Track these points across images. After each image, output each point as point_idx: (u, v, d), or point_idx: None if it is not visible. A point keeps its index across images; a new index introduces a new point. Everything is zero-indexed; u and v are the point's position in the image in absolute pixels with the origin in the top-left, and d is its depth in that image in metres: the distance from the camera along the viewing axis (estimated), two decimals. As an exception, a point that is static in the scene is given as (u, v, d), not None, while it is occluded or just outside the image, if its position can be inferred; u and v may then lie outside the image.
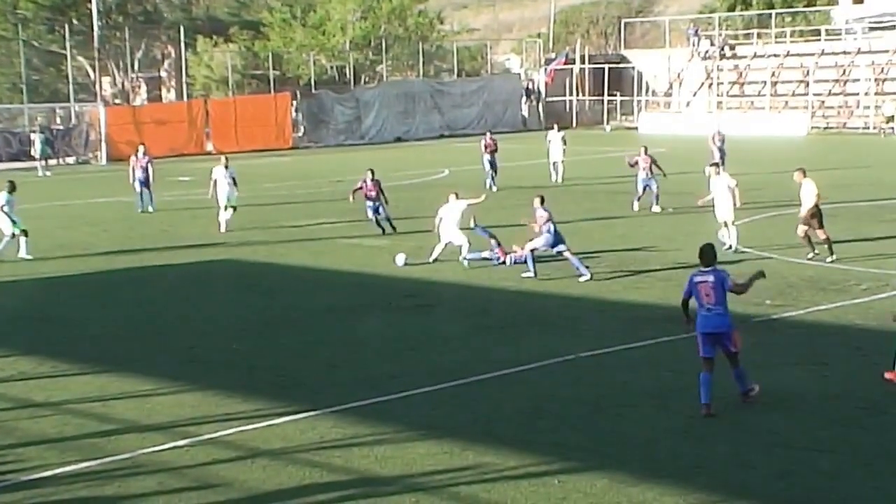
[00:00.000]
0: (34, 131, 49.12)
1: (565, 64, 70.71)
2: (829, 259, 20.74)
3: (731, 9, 73.13)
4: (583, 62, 71.22)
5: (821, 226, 20.98)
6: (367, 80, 67.63)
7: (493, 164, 35.75)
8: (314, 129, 61.18)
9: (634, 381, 13.39)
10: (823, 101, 61.67)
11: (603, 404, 12.49)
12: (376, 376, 13.86)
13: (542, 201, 20.67)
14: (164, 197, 34.46)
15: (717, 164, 23.95)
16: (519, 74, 74.00)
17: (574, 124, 68.81)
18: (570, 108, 70.80)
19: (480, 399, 12.87)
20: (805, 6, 71.62)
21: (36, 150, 47.37)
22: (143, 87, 70.01)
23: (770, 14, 68.42)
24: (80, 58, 62.46)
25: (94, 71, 60.63)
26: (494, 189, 33.93)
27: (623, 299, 18.21)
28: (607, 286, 19.42)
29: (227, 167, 27.56)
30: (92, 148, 52.54)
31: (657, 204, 28.44)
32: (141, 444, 11.32)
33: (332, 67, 67.11)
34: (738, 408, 12.09)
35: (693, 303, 12.16)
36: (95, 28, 58.02)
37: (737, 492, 9.81)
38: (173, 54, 66.73)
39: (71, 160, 51.99)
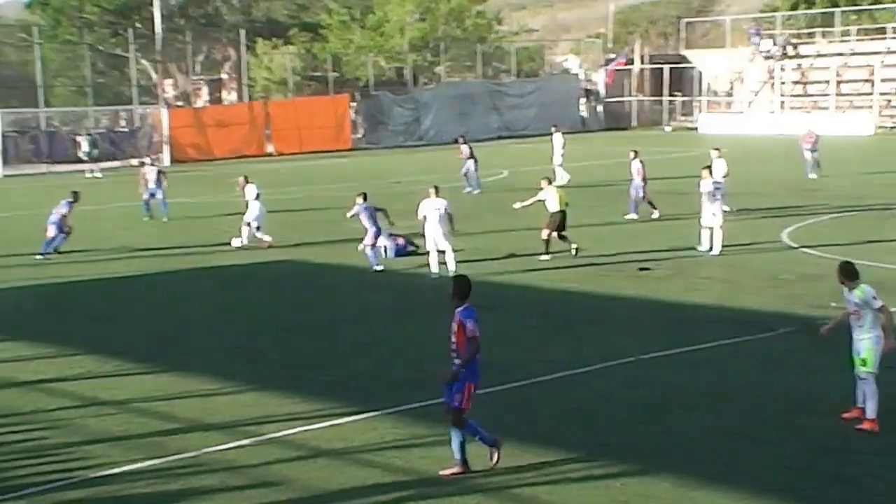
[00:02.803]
0: (79, 134, 50.06)
1: (625, 64, 70.30)
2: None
3: (794, 7, 72.16)
4: (642, 62, 70.76)
5: None
6: (425, 81, 67.77)
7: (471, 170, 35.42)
8: (373, 130, 61.44)
9: (695, 383, 13.29)
10: (889, 101, 60.63)
11: (663, 406, 12.41)
12: (434, 377, 13.87)
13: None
14: (224, 198, 34.83)
15: (708, 167, 23.34)
16: (577, 75, 73.67)
17: (633, 124, 68.41)
18: (630, 108, 70.37)
19: (541, 400, 12.85)
20: (870, 4, 70.44)
21: (83, 151, 48.26)
22: (205, 90, 70.82)
23: (833, 12, 67.42)
24: (143, 61, 63.34)
25: (157, 73, 61.48)
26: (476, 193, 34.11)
27: (681, 300, 18.08)
28: (666, 287, 19.30)
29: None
30: (154, 150, 53.23)
31: (634, 212, 27.89)
32: (203, 443, 11.46)
33: (390, 69, 67.35)
34: (802, 412, 11.95)
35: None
36: (158, 31, 58.78)
37: (799, 497, 9.70)
38: (234, 57, 67.40)
39: (134, 162, 52.73)
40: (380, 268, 21.42)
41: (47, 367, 14.85)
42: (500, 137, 63.56)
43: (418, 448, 11.17)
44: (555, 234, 22.51)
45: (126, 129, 54.20)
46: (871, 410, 11.39)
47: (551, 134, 38.82)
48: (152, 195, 30.54)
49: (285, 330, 16.82)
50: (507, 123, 65.97)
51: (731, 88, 67.75)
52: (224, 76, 71.53)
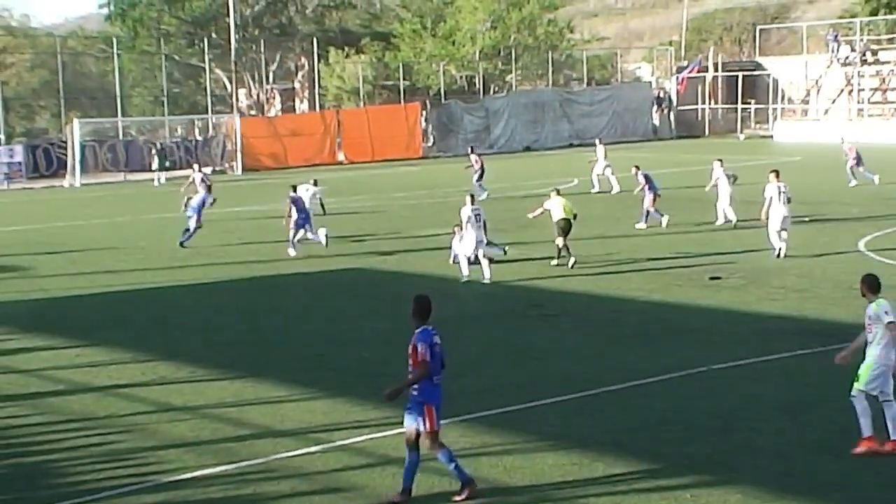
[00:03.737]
0: (153, 144, 50.96)
1: (698, 72, 69.58)
2: None
3: (874, 13, 70.80)
4: (716, 70, 69.96)
5: None
6: (496, 89, 67.76)
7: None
8: (443, 138, 61.57)
9: (768, 395, 13.09)
10: (971, 107, 59.23)
11: (736, 417, 12.25)
12: (503, 385, 13.88)
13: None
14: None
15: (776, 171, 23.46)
16: (650, 83, 73.10)
17: (706, 133, 67.66)
18: (703, 116, 69.62)
19: (610, 410, 12.76)
20: (952, 8, 68.91)
21: (155, 165, 49.09)
22: (278, 99, 71.58)
23: (915, 18, 66.05)
24: (217, 70, 64.29)
25: (231, 83, 62.31)
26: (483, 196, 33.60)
27: (756, 310, 17.83)
28: (740, 296, 19.06)
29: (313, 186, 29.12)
30: (228, 158, 53.92)
31: (645, 221, 27.98)
32: (274, 449, 11.56)
33: (461, 77, 67.48)
34: (879, 424, 11.70)
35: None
36: (233, 42, 59.64)
37: (877, 512, 9.50)
38: (307, 66, 68.07)
39: (208, 170, 53.38)
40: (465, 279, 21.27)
41: (122, 372, 15.12)
42: (570, 146, 63.29)
43: (487, 457, 11.15)
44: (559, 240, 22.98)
45: (200, 138, 54.99)
46: (865, 427, 10.84)
47: (594, 146, 40.06)
48: (203, 204, 27.59)
49: (356, 338, 16.92)
50: (578, 131, 65.67)
51: (807, 96, 66.68)
52: (297, 85, 72.25)
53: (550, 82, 67.96)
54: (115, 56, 56.68)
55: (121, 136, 53.22)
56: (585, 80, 70.64)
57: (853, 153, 36.60)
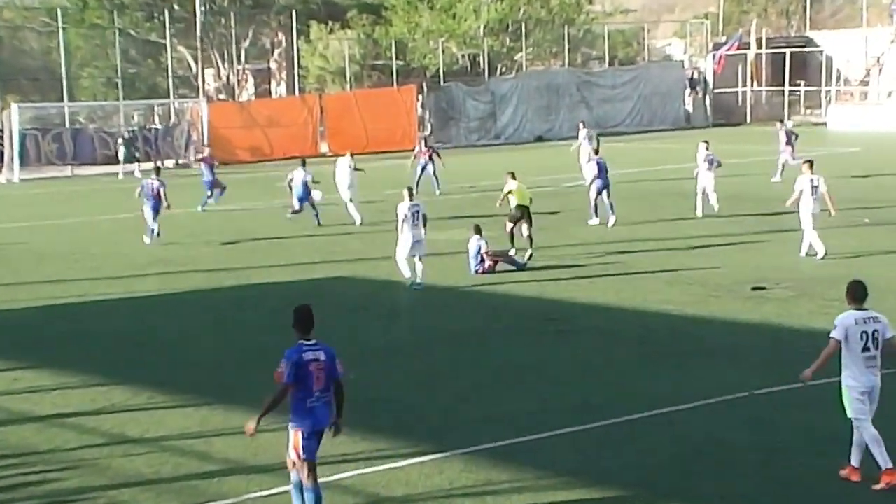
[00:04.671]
0: (106, 132, 51.25)
1: (738, 49, 69.69)
2: None
3: (946, -22, 71.03)
4: (759, 46, 70.06)
5: None
6: (503, 70, 67.90)
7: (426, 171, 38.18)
8: (442, 126, 61.71)
9: (820, 424, 13.10)
10: None
11: (782, 450, 12.26)
12: (512, 413, 13.89)
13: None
14: (273, 206, 35.23)
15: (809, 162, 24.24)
16: (682, 62, 73.24)
17: (748, 119, 67.74)
18: (743, 100, 69.74)
19: (635, 441, 12.78)
20: None
21: (121, 156, 49.21)
22: (251, 81, 71.71)
23: None
24: (180, 48, 64.35)
25: (197, 63, 62.41)
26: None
27: (806, 326, 17.85)
28: (788, 310, 19.10)
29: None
30: (194, 149, 54.00)
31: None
32: (246, 488, 11.58)
33: (463, 56, 67.62)
34: None
35: None
36: (198, 14, 59.78)
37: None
38: (284, 43, 68.19)
39: (170, 163, 53.49)
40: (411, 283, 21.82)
41: (69, 399, 15.13)
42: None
43: (493, 496, 11.17)
44: (520, 228, 24.46)
45: (161, 127, 55.04)
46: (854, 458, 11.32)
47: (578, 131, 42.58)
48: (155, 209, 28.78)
49: (342, 357, 16.91)
50: (598, 119, 65.73)
51: (867, 76, 66.78)
52: (272, 65, 72.41)
53: (566, 62, 68.08)
54: (60, 30, 56.78)
55: (67, 124, 53.27)
56: (607, 59, 70.78)
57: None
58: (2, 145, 49.54)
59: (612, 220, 28.94)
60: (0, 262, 26.51)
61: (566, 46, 67.82)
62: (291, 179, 31.64)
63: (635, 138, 61.13)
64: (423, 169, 38.61)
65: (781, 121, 41.73)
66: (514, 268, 23.29)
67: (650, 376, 15.42)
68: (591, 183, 29.68)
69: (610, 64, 70.79)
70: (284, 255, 26.40)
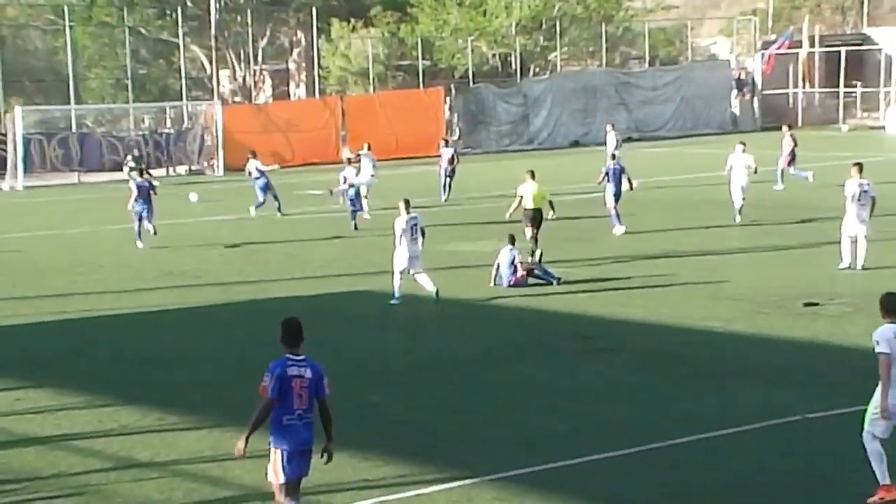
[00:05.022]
0: (114, 136, 51.70)
1: (788, 47, 69.51)
2: None
3: None
4: (812, 45, 69.86)
5: None
6: (536, 70, 67.94)
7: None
8: (472, 131, 61.75)
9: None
10: None
11: (835, 481, 12.20)
12: (544, 437, 13.88)
13: None
14: (291, 215, 35.35)
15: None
16: (727, 62, 73.09)
17: (800, 123, 67.48)
18: (794, 102, 69.49)
19: (674, 469, 12.76)
20: None
21: (127, 169, 49.38)
22: (268, 82, 71.99)
23: None
24: (194, 47, 64.66)
25: (211, 63, 62.68)
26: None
27: (862, 345, 17.64)
28: (842, 327, 19.01)
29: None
30: (207, 155, 54.23)
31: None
32: (261, 514, 11.62)
33: (493, 56, 67.69)
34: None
35: None
36: (213, 11, 60.06)
37: None
38: (303, 42, 68.45)
39: (182, 170, 53.75)
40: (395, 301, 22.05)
41: (74, 420, 15.20)
42: (629, 139, 63.04)
43: (523, 526, 11.16)
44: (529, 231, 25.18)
45: (173, 131, 55.27)
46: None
47: (606, 133, 43.32)
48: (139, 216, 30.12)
49: (363, 377, 16.97)
50: (637, 122, 65.72)
51: (929, 77, 66.42)
52: (291, 66, 72.62)
53: (604, 62, 68.03)
54: (67, 28, 57.15)
55: (74, 128, 53.54)
56: (647, 58, 70.71)
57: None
58: (4, 151, 49.64)
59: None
60: (1, 275, 26.68)
61: (604, 45, 67.77)
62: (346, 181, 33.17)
63: (677, 143, 61.01)
64: (447, 173, 38.95)
65: (790, 126, 41.62)
66: (546, 281, 23.27)
67: (692, 398, 15.39)
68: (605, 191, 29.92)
69: (650, 64, 70.69)
70: (303, 267, 26.49)
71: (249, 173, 36.00)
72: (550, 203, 26.20)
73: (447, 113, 61.52)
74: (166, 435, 14.44)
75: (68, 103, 54.82)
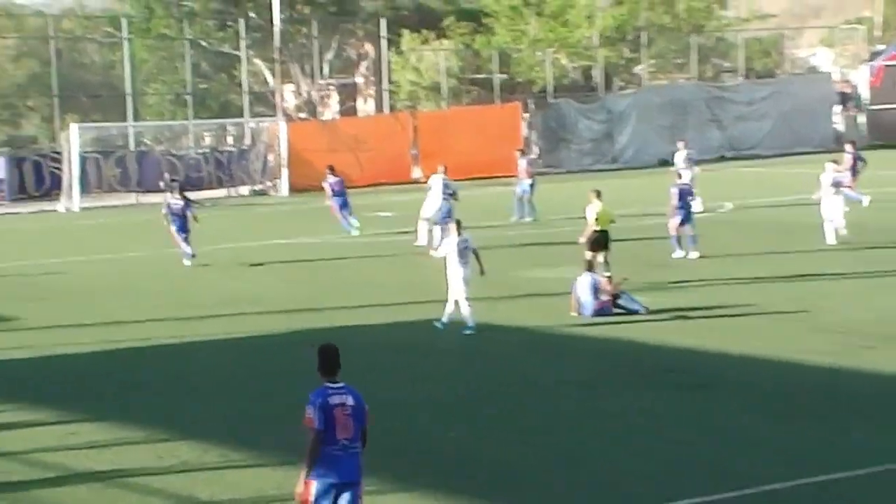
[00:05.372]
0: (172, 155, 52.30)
1: (898, 58, 68.81)
2: None
3: None
4: (926, 54, 69.07)
5: None
6: (621, 84, 67.79)
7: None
8: (552, 149, 61.73)
9: None
10: None
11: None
12: (627, 478, 13.79)
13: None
14: (363, 238, 35.49)
15: None
16: (829, 74, 72.45)
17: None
18: (905, 118, 68.66)
19: (774, 515, 12.63)
20: None
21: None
22: (335, 97, 72.49)
23: None
24: (256, 60, 65.28)
25: (274, 77, 63.22)
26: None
27: None
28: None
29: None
30: (270, 175, 54.64)
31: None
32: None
33: (575, 68, 67.70)
34: None
35: None
36: (276, 23, 60.53)
37: None
38: (372, 54, 68.84)
39: (245, 190, 54.21)
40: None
41: (131, 455, 15.29)
42: (722, 158, 62.91)
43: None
44: (599, 255, 25.09)
45: (234, 149, 55.73)
46: None
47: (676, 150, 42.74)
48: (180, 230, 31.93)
49: (436, 411, 16.98)
50: (731, 140, 65.35)
51: None
52: (359, 80, 73.06)
53: (694, 75, 67.69)
54: (125, 41, 57.96)
55: (132, 147, 54.23)
56: (742, 71, 70.26)
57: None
58: (60, 170, 50.30)
59: (693, 254, 29.56)
60: (56, 302, 27.01)
61: (694, 57, 67.48)
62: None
63: (775, 162, 60.51)
64: (525, 191, 39.28)
65: (853, 143, 41.38)
66: (630, 311, 23.11)
67: (793, 438, 15.20)
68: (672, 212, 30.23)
69: (745, 77, 70.27)
70: (371, 294, 26.51)
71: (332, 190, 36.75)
72: (612, 222, 26.53)
73: (525, 130, 61.54)
74: (227, 472, 14.49)
75: (126, 120, 55.50)
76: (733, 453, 14.70)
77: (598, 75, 66.05)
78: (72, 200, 49.39)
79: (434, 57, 66.03)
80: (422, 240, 32.74)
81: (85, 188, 49.81)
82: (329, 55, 68.04)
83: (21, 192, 50.51)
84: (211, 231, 39.17)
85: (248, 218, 44.03)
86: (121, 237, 39.42)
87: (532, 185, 39.87)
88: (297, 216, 42.37)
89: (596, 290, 23.16)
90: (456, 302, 21.90)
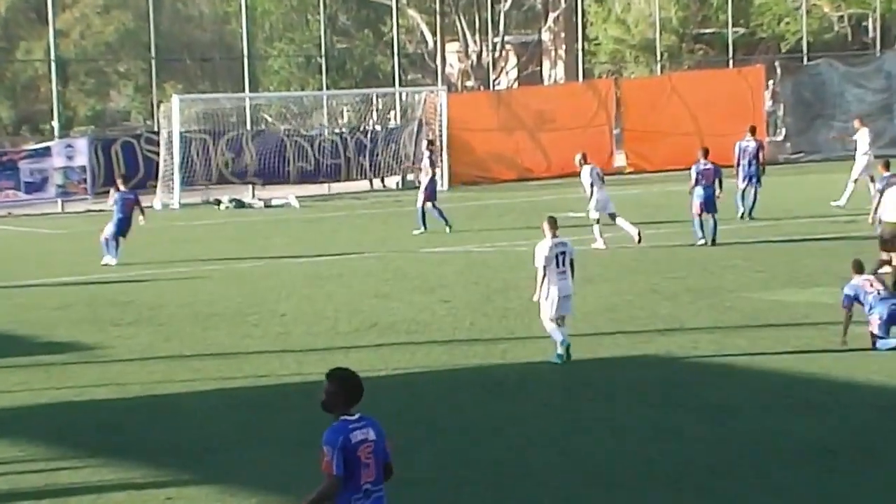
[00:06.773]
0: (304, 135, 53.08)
1: None
2: None
3: None
4: None
5: None
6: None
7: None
8: (805, 128, 60.93)
9: None
10: None
11: None
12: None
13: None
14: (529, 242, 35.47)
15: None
16: None
17: None
18: None
19: None
20: None
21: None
22: (512, 60, 72.43)
23: None
24: (411, 12, 65.60)
25: (435, 34, 63.46)
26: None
27: None
28: None
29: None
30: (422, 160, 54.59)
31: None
32: None
33: (840, 18, 66.81)
34: None
35: None
36: (437, -38, 60.82)
37: None
38: (563, 4, 68.72)
39: (393, 182, 54.35)
40: None
41: None
42: None
43: None
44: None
45: (380, 128, 55.54)
46: None
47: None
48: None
49: (573, 455, 16.98)
50: None
51: None
52: (546, 37, 72.96)
53: None
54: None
55: (249, 125, 54.40)
56: None
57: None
58: (157, 154, 50.41)
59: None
60: (153, 326, 27.22)
61: None
62: None
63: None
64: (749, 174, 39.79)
65: (860, 119, 41.60)
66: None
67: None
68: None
69: None
70: (528, 327, 26.33)
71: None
72: None
73: (768, 102, 60.83)
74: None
75: (242, 90, 55.75)
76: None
77: (873, 28, 65.05)
78: (171, 195, 49.68)
79: (646, 6, 65.74)
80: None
81: (188, 179, 50.15)
82: (506, 5, 68.11)
83: (108, 184, 50.87)
84: (342, 235, 39.45)
85: (396, 218, 44.21)
86: (233, 243, 39.78)
87: (759, 175, 39.43)
88: (462, 219, 42.11)
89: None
90: (556, 323, 22.36)
